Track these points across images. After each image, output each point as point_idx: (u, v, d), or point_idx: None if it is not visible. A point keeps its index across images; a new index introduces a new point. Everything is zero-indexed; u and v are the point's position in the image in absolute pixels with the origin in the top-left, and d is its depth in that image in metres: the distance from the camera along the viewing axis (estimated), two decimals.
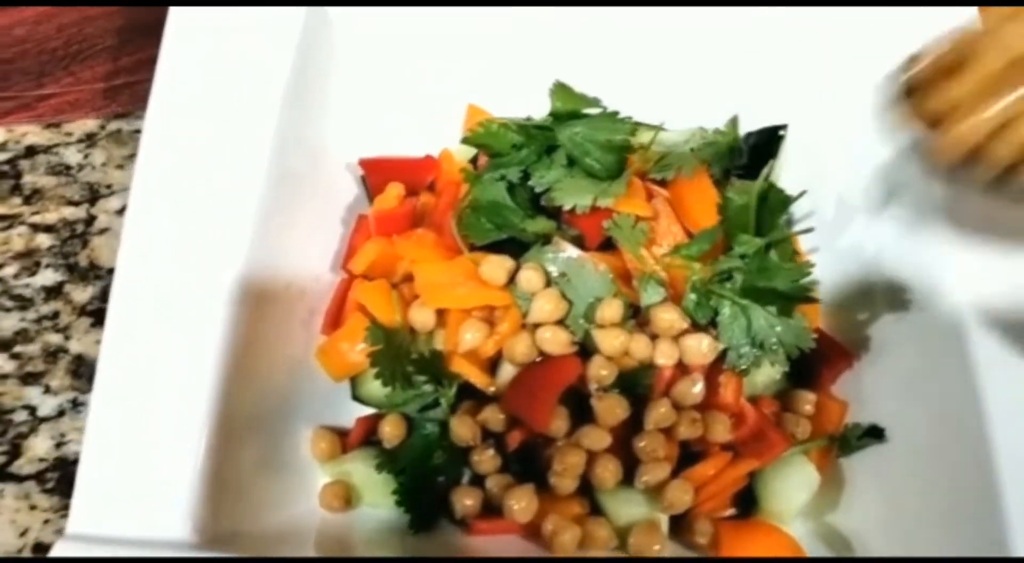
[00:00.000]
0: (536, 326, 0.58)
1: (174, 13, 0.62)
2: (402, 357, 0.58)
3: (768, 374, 0.61)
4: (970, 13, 0.62)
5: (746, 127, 0.68)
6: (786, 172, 0.68)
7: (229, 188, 0.57)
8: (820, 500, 0.60)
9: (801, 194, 0.63)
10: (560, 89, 0.63)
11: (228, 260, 0.56)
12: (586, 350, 0.58)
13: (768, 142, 0.66)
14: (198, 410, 0.52)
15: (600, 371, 0.57)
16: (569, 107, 0.63)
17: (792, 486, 0.59)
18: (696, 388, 0.57)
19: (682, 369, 0.58)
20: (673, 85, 0.68)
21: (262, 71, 0.61)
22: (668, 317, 0.57)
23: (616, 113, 0.62)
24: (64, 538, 0.49)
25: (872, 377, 0.62)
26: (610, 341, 0.57)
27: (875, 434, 0.60)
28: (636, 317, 0.59)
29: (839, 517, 0.60)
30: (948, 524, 0.54)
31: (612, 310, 0.57)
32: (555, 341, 0.57)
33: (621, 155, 0.61)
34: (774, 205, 0.61)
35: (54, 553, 0.48)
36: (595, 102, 0.64)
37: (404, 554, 0.57)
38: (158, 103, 0.60)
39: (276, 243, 0.59)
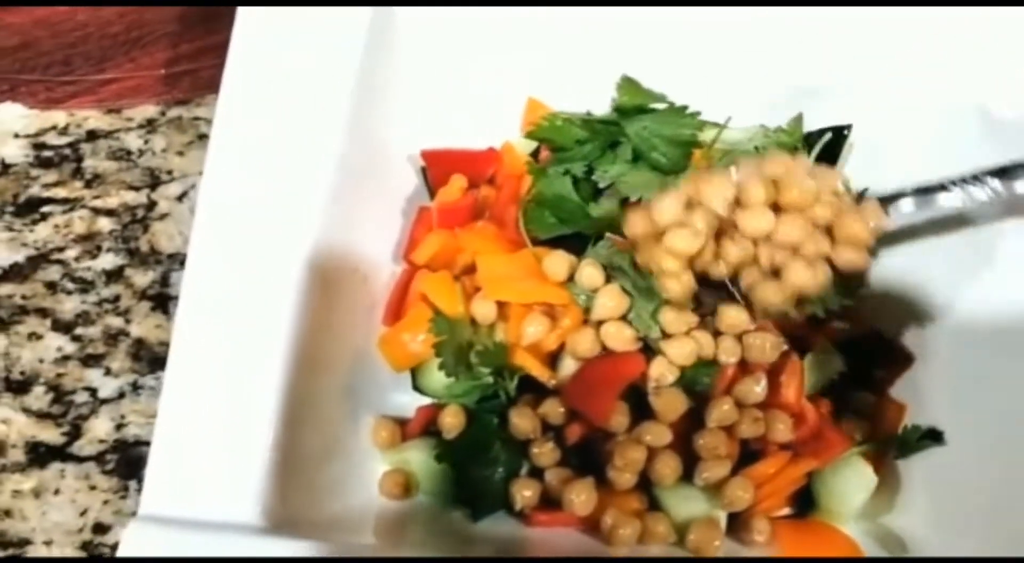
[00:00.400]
0: (600, 322, 0.58)
1: (242, 12, 0.62)
2: (465, 348, 0.58)
3: (827, 374, 0.61)
4: None
5: (809, 126, 0.68)
6: (848, 172, 0.68)
7: (296, 177, 0.58)
8: (877, 501, 0.60)
9: (865, 190, 0.63)
10: (627, 83, 0.63)
11: (295, 247, 0.56)
12: (649, 346, 0.58)
13: (832, 142, 0.66)
14: (267, 395, 0.53)
15: (662, 371, 0.57)
16: (635, 101, 0.63)
17: (850, 487, 0.59)
18: (759, 387, 0.57)
19: (743, 367, 0.59)
20: (736, 82, 0.68)
21: (330, 66, 0.61)
22: (733, 314, 0.57)
23: (685, 107, 0.62)
24: (137, 519, 0.50)
25: (932, 379, 0.62)
26: (677, 350, 0.57)
27: (934, 437, 0.59)
28: (698, 308, 0.59)
29: (895, 519, 0.60)
30: (1004, 528, 0.54)
31: (675, 318, 0.57)
32: (619, 337, 0.57)
33: (688, 150, 0.61)
34: None
35: (128, 534, 0.49)
36: (661, 97, 0.64)
37: (461, 544, 0.58)
38: (229, 93, 0.60)
39: (341, 232, 0.60)
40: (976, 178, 0.55)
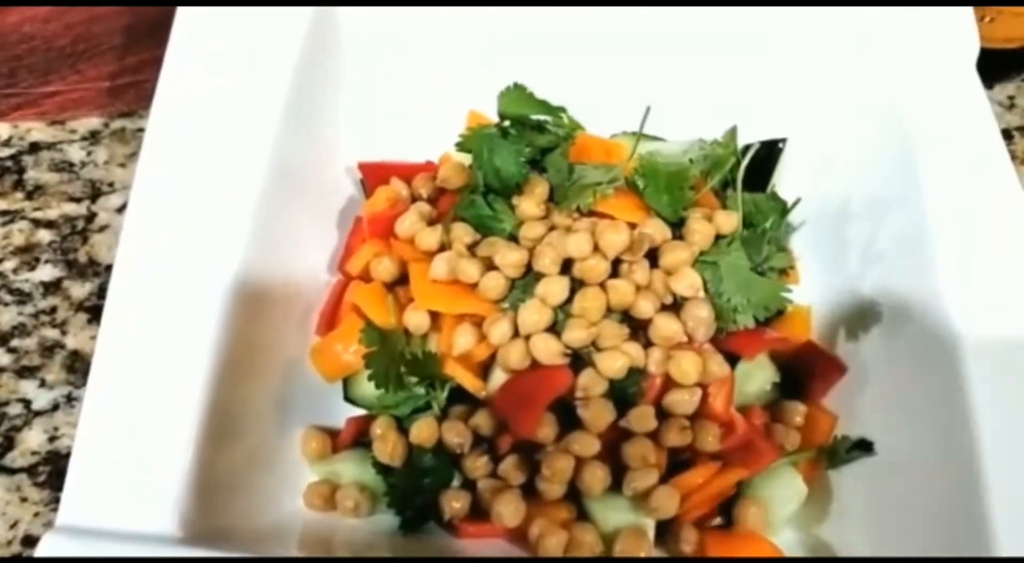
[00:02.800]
0: (529, 335, 0.58)
1: (182, 13, 0.62)
2: (396, 359, 0.58)
3: (759, 384, 0.62)
4: (967, 13, 0.63)
5: (744, 139, 0.69)
6: (782, 185, 0.68)
7: (229, 187, 0.58)
8: (808, 512, 0.60)
9: (797, 201, 0.63)
10: (514, 90, 0.63)
11: (225, 259, 0.56)
12: (579, 357, 0.58)
13: (767, 155, 0.67)
14: (190, 407, 0.52)
15: (590, 382, 0.57)
16: (518, 110, 0.63)
17: (780, 496, 0.59)
18: (693, 397, 0.57)
19: (671, 378, 0.59)
20: (672, 96, 0.68)
21: (267, 72, 0.62)
22: (671, 328, 0.57)
23: (563, 109, 0.64)
24: (53, 530, 0.49)
25: (862, 391, 0.62)
26: (608, 363, 0.57)
27: (864, 447, 0.60)
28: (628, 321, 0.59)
29: (827, 529, 0.60)
30: (935, 538, 0.54)
31: (612, 331, 0.57)
32: (546, 351, 0.57)
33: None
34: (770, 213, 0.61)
35: (43, 545, 0.48)
36: (546, 107, 0.64)
37: (390, 555, 0.57)
38: (163, 102, 0.60)
39: (274, 243, 0.60)
40: None
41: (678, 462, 0.59)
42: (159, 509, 0.50)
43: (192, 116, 0.60)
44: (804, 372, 0.63)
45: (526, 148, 0.63)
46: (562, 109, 0.64)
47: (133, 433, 0.52)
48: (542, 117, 0.64)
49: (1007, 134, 0.82)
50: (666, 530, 0.58)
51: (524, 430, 0.56)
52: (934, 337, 0.57)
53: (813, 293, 0.67)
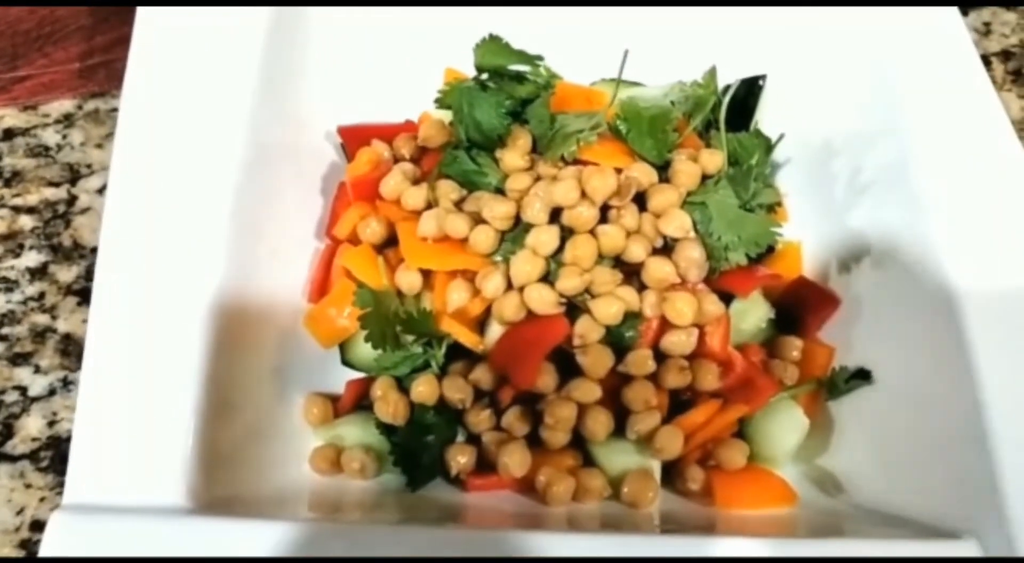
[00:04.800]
0: (522, 286, 0.58)
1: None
2: (391, 319, 0.58)
3: (754, 322, 0.62)
4: None
5: (724, 79, 0.68)
6: (764, 123, 0.68)
7: (209, 163, 0.57)
8: (810, 444, 0.60)
9: (781, 137, 0.63)
10: (490, 42, 0.63)
11: (211, 234, 0.56)
12: (574, 306, 0.58)
13: (747, 93, 0.67)
14: (188, 380, 0.52)
15: (587, 329, 0.57)
16: (495, 61, 0.63)
17: (782, 430, 0.60)
18: (690, 337, 0.57)
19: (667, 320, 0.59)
20: (649, 40, 0.68)
21: (237, 43, 0.61)
22: (664, 270, 0.57)
23: (540, 57, 0.64)
24: (61, 508, 0.49)
25: (857, 322, 0.62)
26: (603, 309, 0.57)
27: (862, 376, 0.60)
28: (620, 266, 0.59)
29: (829, 459, 0.61)
30: (936, 463, 0.55)
31: (605, 277, 0.57)
32: (541, 301, 0.57)
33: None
34: (755, 150, 0.61)
35: (52, 524, 0.48)
36: (523, 57, 0.64)
37: (399, 514, 0.57)
38: (133, 82, 0.59)
39: (259, 215, 0.59)
40: None
41: (679, 403, 0.60)
42: (165, 482, 0.50)
43: (164, 94, 0.59)
44: (798, 307, 0.63)
45: (506, 100, 0.62)
46: (540, 58, 0.64)
47: (132, 409, 0.52)
48: (520, 68, 0.64)
49: (985, 60, 0.82)
50: (672, 471, 0.59)
51: (524, 381, 0.57)
52: (924, 265, 0.57)
53: (802, 229, 0.67)
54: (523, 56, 0.63)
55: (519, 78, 0.64)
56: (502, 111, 0.61)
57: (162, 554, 0.48)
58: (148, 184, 0.57)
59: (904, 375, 0.59)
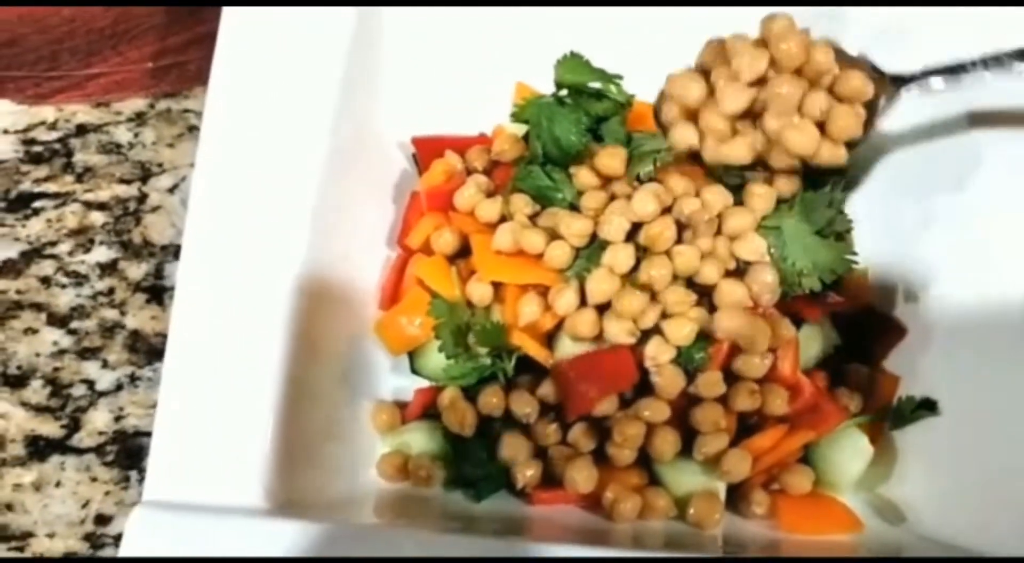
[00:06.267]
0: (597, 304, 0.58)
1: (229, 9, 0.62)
2: (464, 330, 0.59)
3: (821, 348, 0.62)
4: None
5: None
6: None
7: (287, 167, 0.58)
8: (874, 472, 0.60)
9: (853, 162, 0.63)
10: (570, 59, 0.64)
11: (290, 236, 0.57)
12: None
13: None
14: (266, 380, 0.53)
15: (658, 351, 0.57)
16: (576, 78, 0.64)
17: (846, 457, 0.60)
18: (764, 361, 0.57)
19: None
20: None
21: (318, 54, 0.62)
22: (737, 293, 0.57)
23: (619, 77, 0.64)
24: (141, 505, 0.50)
25: (925, 352, 0.62)
26: (676, 331, 0.57)
27: (928, 407, 0.60)
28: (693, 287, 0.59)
29: (892, 489, 0.61)
30: (1000, 496, 0.55)
31: (679, 297, 0.57)
32: (615, 332, 0.57)
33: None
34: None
35: (132, 519, 0.49)
36: (603, 75, 0.64)
37: (463, 524, 0.58)
38: (218, 85, 0.60)
39: (335, 220, 0.60)
40: (999, 59, 0.56)
41: (745, 426, 0.60)
42: (244, 482, 0.51)
43: (247, 100, 0.60)
44: (864, 334, 0.63)
45: (584, 117, 0.62)
46: (619, 77, 0.64)
47: (213, 408, 0.53)
48: (597, 85, 0.64)
49: None
50: (736, 493, 0.59)
51: (576, 413, 0.58)
52: (995, 295, 0.57)
53: (868, 254, 0.67)
54: (602, 74, 0.63)
55: (597, 95, 0.64)
56: (581, 128, 0.62)
57: (240, 554, 0.48)
58: (230, 186, 0.58)
59: (971, 407, 0.58)
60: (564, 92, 0.64)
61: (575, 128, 0.62)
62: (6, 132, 0.74)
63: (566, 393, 0.58)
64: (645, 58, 0.68)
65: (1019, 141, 0.60)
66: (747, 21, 0.66)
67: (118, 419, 0.65)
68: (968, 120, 0.61)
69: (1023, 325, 0.55)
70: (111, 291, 0.69)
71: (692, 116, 0.58)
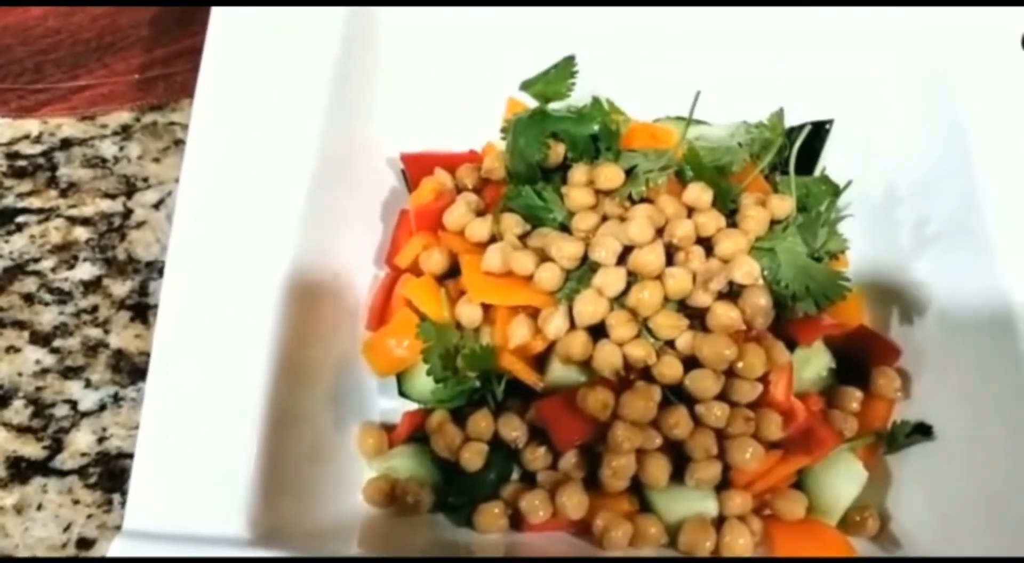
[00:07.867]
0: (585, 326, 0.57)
1: (217, 10, 0.61)
2: (452, 352, 0.58)
3: (816, 371, 0.61)
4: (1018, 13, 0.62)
5: (790, 121, 0.68)
6: (829, 167, 0.68)
7: (274, 183, 0.58)
8: (867, 496, 0.60)
9: (849, 183, 0.63)
10: (596, 105, 0.64)
11: (276, 253, 0.56)
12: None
13: (813, 137, 0.66)
14: (251, 404, 0.52)
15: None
16: (549, 92, 0.65)
17: (840, 482, 0.59)
18: (755, 387, 0.56)
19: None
20: (712, 79, 0.67)
21: (307, 66, 0.61)
22: (729, 316, 0.57)
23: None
24: (121, 535, 0.49)
25: (919, 374, 0.62)
26: (672, 371, 0.57)
27: (923, 431, 0.60)
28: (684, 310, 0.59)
29: (886, 514, 0.60)
30: (996, 520, 0.54)
31: (671, 321, 0.57)
32: (608, 363, 0.57)
33: None
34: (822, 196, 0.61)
35: (113, 549, 0.48)
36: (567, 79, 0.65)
37: (451, 550, 0.57)
38: (203, 97, 0.59)
39: (323, 238, 0.59)
40: None
41: None
42: (226, 510, 0.50)
43: (234, 113, 0.59)
44: (859, 357, 0.63)
45: (550, 128, 0.62)
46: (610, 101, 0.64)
47: (195, 433, 0.52)
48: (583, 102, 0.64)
49: None
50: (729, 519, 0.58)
51: (563, 447, 0.57)
52: (992, 318, 0.57)
53: (862, 276, 0.66)
54: (567, 76, 0.64)
55: (588, 114, 0.64)
56: (542, 141, 0.61)
57: None
58: (215, 201, 0.57)
59: (966, 431, 0.58)
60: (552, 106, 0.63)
61: (536, 142, 0.61)
62: None
63: (552, 428, 0.58)
64: (642, 73, 0.68)
65: (1013, 156, 0.60)
66: (746, 26, 0.67)
67: (101, 440, 0.64)
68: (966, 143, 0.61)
69: (1017, 345, 0.54)
70: (95, 309, 0.68)
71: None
